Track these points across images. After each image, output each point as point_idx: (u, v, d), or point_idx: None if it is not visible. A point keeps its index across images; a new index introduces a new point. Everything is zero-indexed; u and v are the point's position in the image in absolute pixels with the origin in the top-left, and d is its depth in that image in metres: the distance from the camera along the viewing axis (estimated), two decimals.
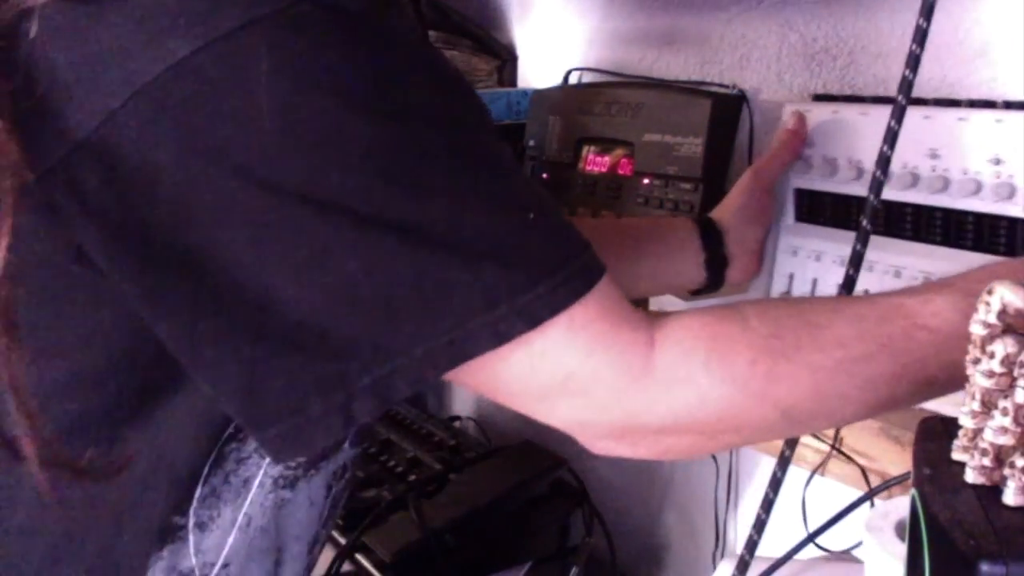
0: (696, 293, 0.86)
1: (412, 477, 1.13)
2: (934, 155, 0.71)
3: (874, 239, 0.74)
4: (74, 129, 0.42)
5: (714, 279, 0.83)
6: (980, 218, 0.69)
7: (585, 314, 0.47)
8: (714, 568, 0.88)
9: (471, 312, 0.44)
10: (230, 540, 0.57)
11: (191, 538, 0.55)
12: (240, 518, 0.57)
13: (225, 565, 0.57)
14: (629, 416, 0.49)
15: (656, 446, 0.51)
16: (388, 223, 0.43)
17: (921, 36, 0.56)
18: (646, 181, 1.01)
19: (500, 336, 0.45)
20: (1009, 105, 0.69)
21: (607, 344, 0.48)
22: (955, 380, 0.47)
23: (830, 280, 0.80)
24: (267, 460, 0.57)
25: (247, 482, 0.57)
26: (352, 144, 0.43)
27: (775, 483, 0.64)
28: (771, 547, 0.68)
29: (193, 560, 0.56)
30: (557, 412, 0.49)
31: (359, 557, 1.02)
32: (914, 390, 0.51)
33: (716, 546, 1.11)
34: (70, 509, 0.52)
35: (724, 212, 0.84)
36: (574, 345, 0.47)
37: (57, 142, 0.42)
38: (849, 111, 0.78)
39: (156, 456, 0.53)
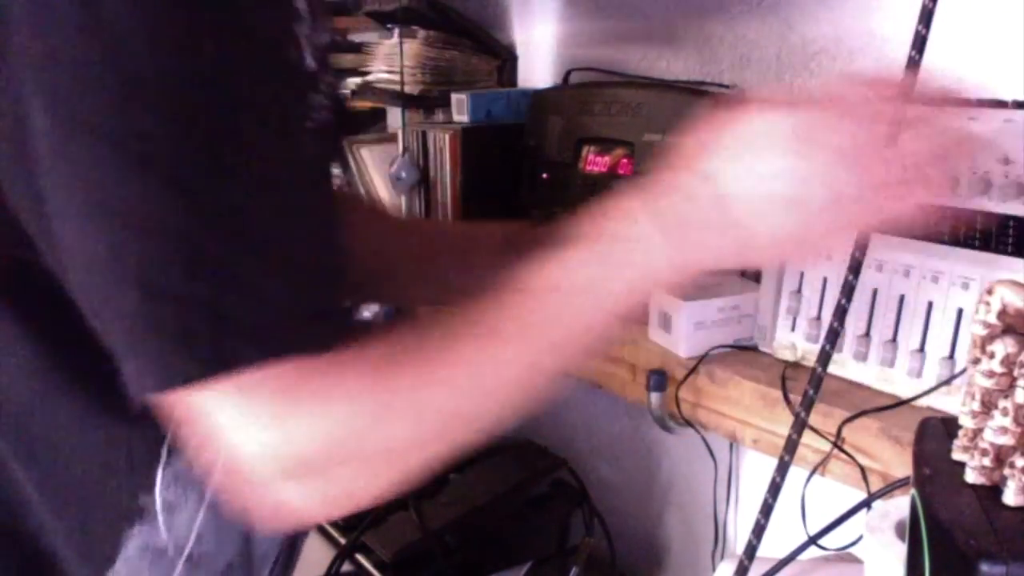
0: None
1: None
2: None
3: (883, 238, 0.74)
4: None
5: None
6: (989, 217, 0.69)
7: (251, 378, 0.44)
8: (713, 569, 0.88)
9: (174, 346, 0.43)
10: (199, 518, 0.57)
11: (160, 518, 0.55)
12: (208, 495, 0.56)
13: (199, 539, 0.57)
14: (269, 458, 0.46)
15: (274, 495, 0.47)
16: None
17: (920, 42, 0.56)
18: None
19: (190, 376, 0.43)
20: (1019, 105, 0.70)
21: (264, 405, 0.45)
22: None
23: (840, 279, 0.80)
24: None
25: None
26: (140, 82, 0.41)
27: (774, 488, 0.64)
28: (769, 545, 0.68)
29: (165, 536, 0.56)
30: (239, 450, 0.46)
31: (359, 557, 1.02)
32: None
33: (716, 546, 1.11)
34: (46, 487, 0.53)
35: None
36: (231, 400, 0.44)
37: None
38: None
39: (109, 440, 0.53)
